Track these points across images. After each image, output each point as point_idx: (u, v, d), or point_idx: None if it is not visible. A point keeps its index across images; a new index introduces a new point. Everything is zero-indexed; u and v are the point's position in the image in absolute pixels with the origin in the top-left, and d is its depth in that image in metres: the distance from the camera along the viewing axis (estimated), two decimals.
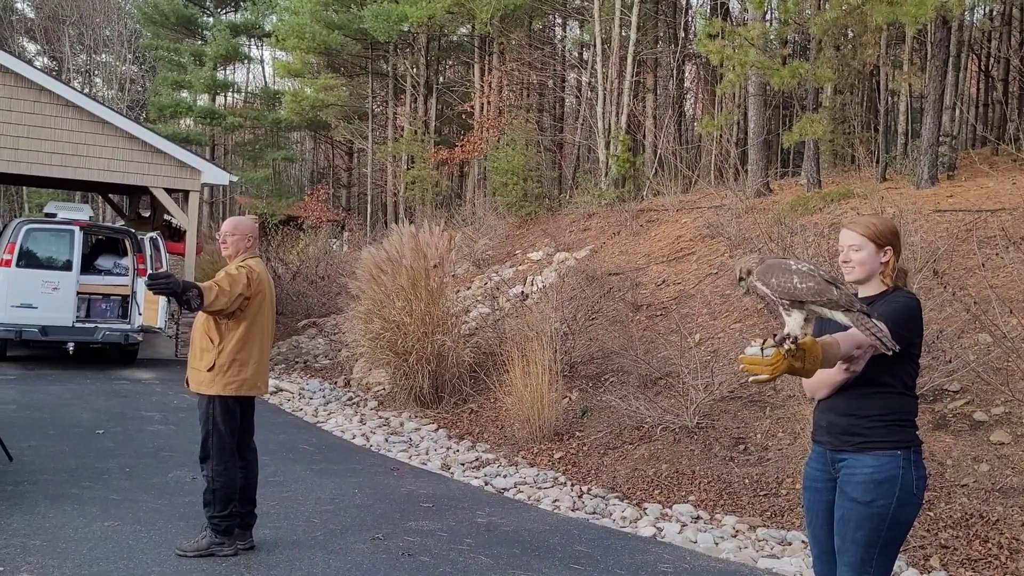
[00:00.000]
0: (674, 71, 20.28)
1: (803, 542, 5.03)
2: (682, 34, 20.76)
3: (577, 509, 5.80)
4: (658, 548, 4.93)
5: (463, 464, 6.96)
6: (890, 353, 2.45)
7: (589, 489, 6.26)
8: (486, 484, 6.36)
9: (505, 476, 6.57)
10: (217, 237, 4.50)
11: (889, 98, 16.66)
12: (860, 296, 2.73)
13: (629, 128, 17.78)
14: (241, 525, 4.33)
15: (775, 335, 2.40)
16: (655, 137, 18.85)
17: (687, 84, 23.84)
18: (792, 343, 2.36)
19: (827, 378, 2.67)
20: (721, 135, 16.31)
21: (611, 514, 5.70)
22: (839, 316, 2.45)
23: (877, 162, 13.03)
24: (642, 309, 9.79)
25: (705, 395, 6.97)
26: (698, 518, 5.62)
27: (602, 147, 17.46)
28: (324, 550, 4.45)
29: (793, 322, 2.43)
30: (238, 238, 4.36)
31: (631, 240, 12.98)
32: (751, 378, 2.41)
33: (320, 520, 5.01)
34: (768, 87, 13.63)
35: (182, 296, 4.03)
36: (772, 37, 13.02)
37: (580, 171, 20.95)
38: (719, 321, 8.74)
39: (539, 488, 6.25)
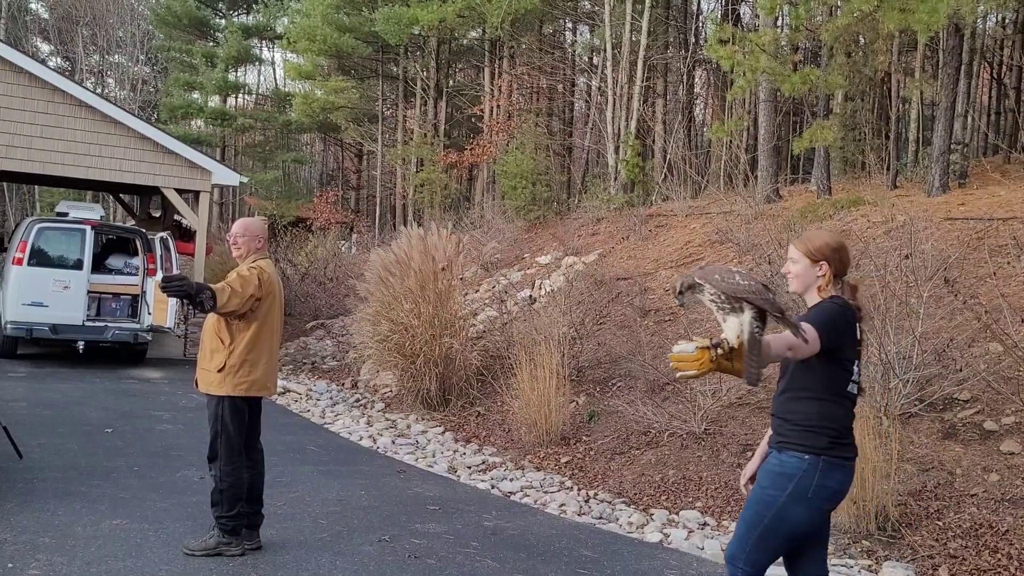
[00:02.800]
0: (684, 76, 20.26)
1: None
2: (692, 39, 20.73)
3: (583, 514, 5.80)
4: (664, 554, 4.92)
5: (470, 467, 6.96)
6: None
7: (596, 494, 6.25)
8: (492, 487, 6.35)
9: (512, 480, 6.57)
10: (227, 238, 4.51)
11: (900, 105, 16.62)
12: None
13: (639, 133, 17.78)
14: (248, 525, 4.35)
15: (711, 338, 2.45)
16: (665, 142, 18.83)
17: (697, 89, 23.81)
18: (726, 348, 2.41)
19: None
20: (731, 141, 16.30)
21: (618, 519, 5.70)
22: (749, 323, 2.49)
23: (888, 169, 12.99)
24: (650, 314, 9.78)
25: (713, 401, 6.96)
26: (705, 524, 5.60)
27: (611, 152, 17.46)
28: (331, 551, 4.46)
29: (729, 328, 2.48)
30: (248, 239, 4.38)
31: (640, 245, 12.97)
32: (679, 374, 2.46)
33: (327, 521, 5.02)
34: (778, 93, 13.61)
35: (196, 298, 4.04)
36: (783, 43, 12.99)
37: (589, 175, 20.96)
38: None
39: (545, 492, 6.25)
